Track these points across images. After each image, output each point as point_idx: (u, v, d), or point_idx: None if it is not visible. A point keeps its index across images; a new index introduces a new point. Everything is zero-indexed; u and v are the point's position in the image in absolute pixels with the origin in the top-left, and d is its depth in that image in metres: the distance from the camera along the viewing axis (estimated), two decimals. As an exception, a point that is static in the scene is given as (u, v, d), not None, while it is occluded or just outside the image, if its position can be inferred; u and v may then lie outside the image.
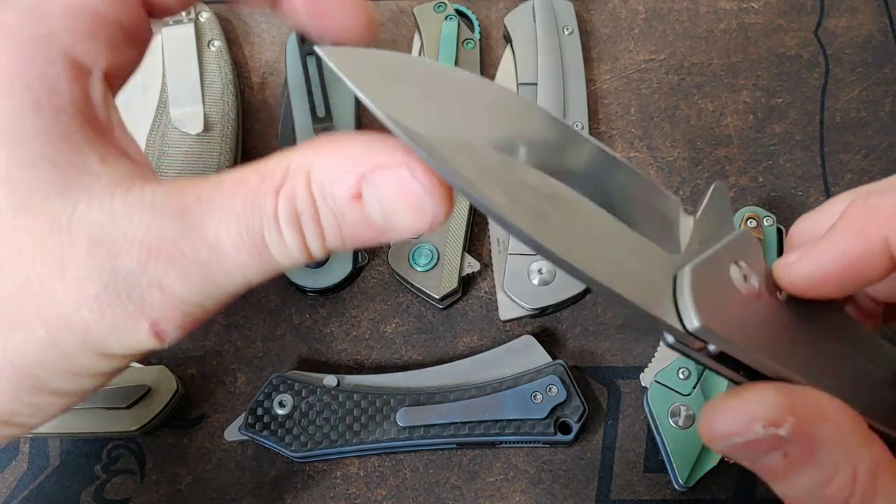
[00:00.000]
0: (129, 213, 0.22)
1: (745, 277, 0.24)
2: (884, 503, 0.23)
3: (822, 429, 0.23)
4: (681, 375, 0.39)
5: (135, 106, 0.45)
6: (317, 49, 0.22)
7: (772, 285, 0.25)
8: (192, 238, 0.22)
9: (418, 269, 0.42)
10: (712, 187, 0.25)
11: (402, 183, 0.22)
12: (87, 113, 0.23)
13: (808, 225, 0.28)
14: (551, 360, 0.40)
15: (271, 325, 0.43)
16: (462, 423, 0.39)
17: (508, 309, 0.42)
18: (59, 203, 0.22)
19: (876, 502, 0.23)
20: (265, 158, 0.23)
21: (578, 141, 0.23)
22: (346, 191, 0.22)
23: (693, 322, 0.21)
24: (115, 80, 0.25)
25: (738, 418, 0.23)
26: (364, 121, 0.47)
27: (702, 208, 0.24)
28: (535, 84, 0.45)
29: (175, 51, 0.45)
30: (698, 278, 0.22)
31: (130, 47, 0.26)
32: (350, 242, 0.23)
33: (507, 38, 0.47)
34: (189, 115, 0.44)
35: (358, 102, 0.46)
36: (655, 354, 0.41)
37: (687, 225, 0.24)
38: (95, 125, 0.23)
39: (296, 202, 0.22)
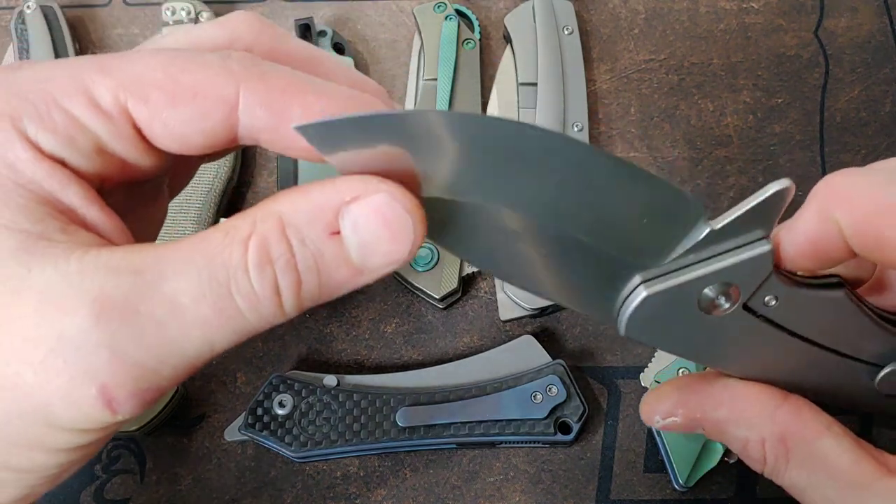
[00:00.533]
0: (83, 271, 0.20)
1: (716, 299, 0.24)
2: (799, 461, 0.27)
3: (718, 412, 0.29)
4: (681, 375, 0.39)
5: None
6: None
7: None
8: (147, 295, 0.20)
9: (418, 269, 0.42)
10: (768, 194, 0.23)
11: (384, 207, 0.21)
12: (54, 199, 0.22)
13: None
14: (551, 360, 0.40)
15: (271, 325, 0.43)
16: (462, 423, 0.39)
17: (508, 309, 0.42)
18: (13, 267, 0.20)
19: (790, 462, 0.27)
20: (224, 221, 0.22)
21: (574, 149, 0.22)
22: (325, 228, 0.21)
23: (621, 331, 0.25)
24: (126, 185, 0.24)
25: (648, 411, 0.31)
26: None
27: (728, 220, 0.23)
28: (535, 84, 0.45)
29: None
30: (646, 303, 0.24)
31: (131, 159, 0.24)
32: (325, 290, 0.22)
33: (507, 38, 0.47)
34: (189, 115, 0.44)
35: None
36: (655, 354, 0.41)
37: (698, 233, 0.23)
38: (62, 208, 0.22)
39: (269, 248, 0.21)
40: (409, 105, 0.46)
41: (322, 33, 0.46)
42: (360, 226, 0.21)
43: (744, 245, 0.24)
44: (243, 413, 0.39)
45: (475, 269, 0.42)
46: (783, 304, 0.25)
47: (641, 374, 0.41)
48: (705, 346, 0.27)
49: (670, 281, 0.24)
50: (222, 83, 0.22)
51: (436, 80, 0.45)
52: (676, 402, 0.30)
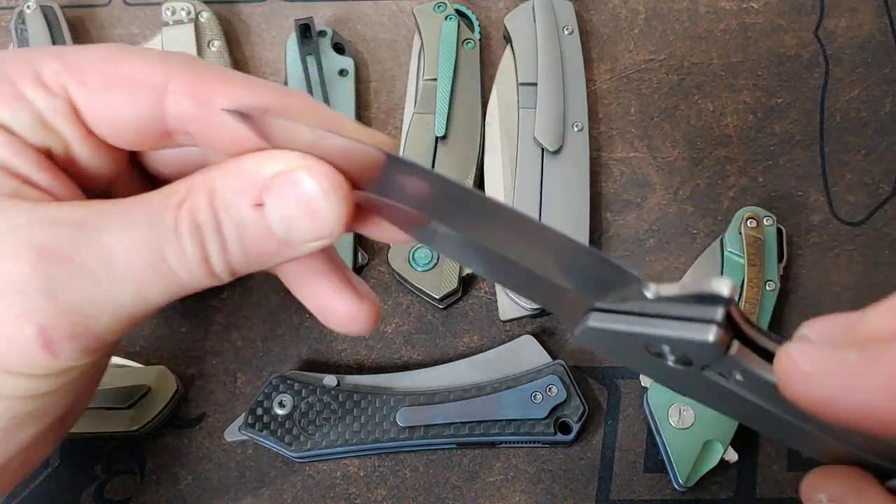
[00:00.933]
0: (29, 223, 0.22)
1: (665, 357, 0.22)
2: None
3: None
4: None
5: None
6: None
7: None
8: (84, 245, 0.22)
9: (418, 269, 0.42)
10: (701, 291, 0.20)
11: (299, 185, 0.22)
12: (5, 164, 0.23)
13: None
14: (551, 360, 0.40)
15: (271, 325, 0.43)
16: (462, 423, 0.39)
17: (508, 309, 0.42)
18: None
19: None
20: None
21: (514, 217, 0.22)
22: (248, 200, 0.22)
23: (573, 339, 0.23)
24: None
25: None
26: (363, 119, 0.47)
27: (665, 295, 0.21)
28: (535, 84, 0.45)
29: (175, 51, 0.45)
30: (591, 331, 0.22)
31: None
32: (253, 257, 0.23)
33: (507, 38, 0.47)
34: (189, 115, 0.44)
35: (358, 102, 0.46)
36: (655, 354, 0.41)
37: (638, 299, 0.21)
38: (15, 173, 0.23)
39: (197, 214, 0.22)
40: (409, 105, 0.46)
41: (322, 33, 0.46)
42: (280, 201, 0.22)
43: (693, 323, 0.21)
44: (243, 413, 0.39)
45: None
46: (751, 379, 0.22)
47: (641, 374, 0.41)
48: (659, 378, 0.25)
49: (614, 324, 0.22)
50: (154, 72, 0.23)
51: (436, 80, 0.45)
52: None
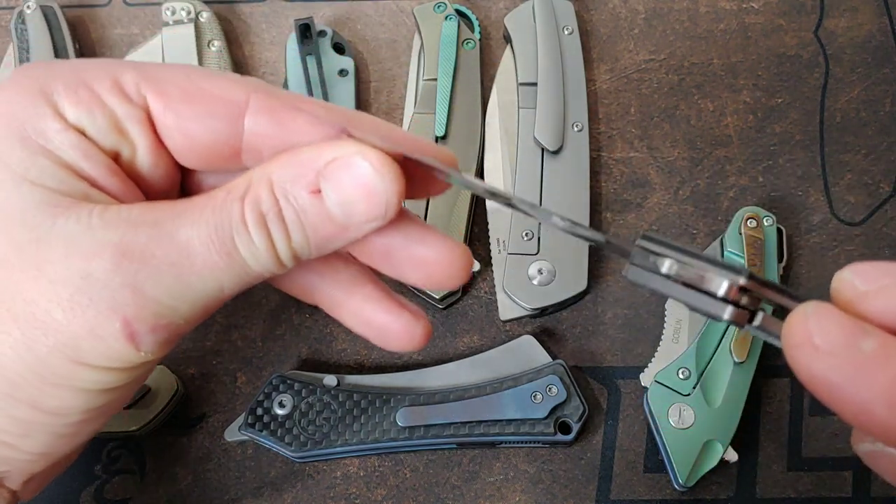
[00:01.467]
0: (105, 224, 0.23)
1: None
2: None
3: None
4: (681, 375, 0.39)
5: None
6: None
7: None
8: (163, 242, 0.23)
9: (418, 269, 0.42)
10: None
11: (354, 168, 0.23)
12: (77, 166, 0.24)
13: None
14: (551, 360, 0.40)
15: (271, 325, 0.43)
16: (462, 423, 0.39)
17: (508, 309, 0.42)
18: (41, 217, 0.23)
19: None
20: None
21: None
22: (305, 187, 0.23)
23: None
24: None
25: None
26: (364, 121, 0.47)
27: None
28: (535, 84, 0.45)
29: (175, 51, 0.45)
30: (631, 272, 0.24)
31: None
32: (315, 242, 0.24)
33: (507, 38, 0.47)
34: (189, 115, 0.44)
35: (358, 102, 0.46)
36: (655, 354, 0.41)
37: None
38: (84, 174, 0.24)
39: (260, 205, 0.23)
40: (410, 105, 0.46)
41: (322, 33, 0.46)
42: (337, 186, 0.23)
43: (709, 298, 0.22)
44: (243, 413, 0.39)
45: (475, 269, 0.42)
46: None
47: (641, 374, 0.41)
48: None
49: (648, 283, 0.23)
50: (235, 89, 0.25)
51: (436, 80, 0.45)
52: None
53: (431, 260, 0.26)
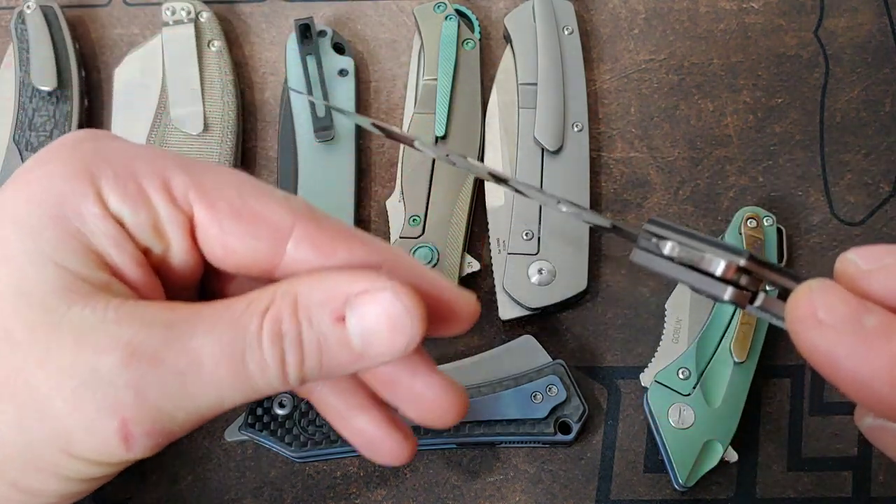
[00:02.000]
0: (119, 319, 0.23)
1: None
2: None
3: None
4: (681, 375, 0.39)
5: (135, 106, 0.45)
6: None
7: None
8: (174, 347, 0.22)
9: (418, 269, 0.42)
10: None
11: (385, 304, 0.23)
12: (107, 254, 0.24)
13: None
14: (551, 360, 0.40)
15: (271, 325, 0.43)
16: (462, 423, 0.39)
17: (508, 309, 0.42)
18: (56, 301, 0.22)
19: None
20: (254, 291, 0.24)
21: None
22: (331, 314, 0.23)
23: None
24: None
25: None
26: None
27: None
28: (535, 84, 0.45)
29: (175, 51, 0.45)
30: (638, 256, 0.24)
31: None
32: (326, 368, 0.24)
33: (507, 38, 0.47)
34: (189, 115, 0.44)
35: (358, 102, 0.46)
36: (655, 354, 0.41)
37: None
38: (112, 263, 0.24)
39: (281, 324, 0.23)
40: (410, 105, 0.46)
41: (322, 33, 0.46)
42: (363, 317, 0.23)
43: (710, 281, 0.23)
44: (243, 413, 0.39)
45: (475, 269, 0.42)
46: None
47: (641, 374, 0.41)
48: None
49: (653, 265, 0.23)
50: (283, 214, 0.24)
51: (436, 80, 0.45)
52: None
53: (430, 399, 0.26)
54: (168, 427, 0.23)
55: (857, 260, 0.21)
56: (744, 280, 0.22)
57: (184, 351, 0.22)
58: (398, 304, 0.23)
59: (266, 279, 0.25)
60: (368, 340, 0.23)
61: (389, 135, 0.30)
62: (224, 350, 0.23)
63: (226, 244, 0.25)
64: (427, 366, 0.26)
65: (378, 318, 0.23)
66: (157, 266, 0.25)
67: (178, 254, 0.25)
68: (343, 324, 0.23)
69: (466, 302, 0.26)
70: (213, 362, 0.23)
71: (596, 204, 0.44)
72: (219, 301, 0.24)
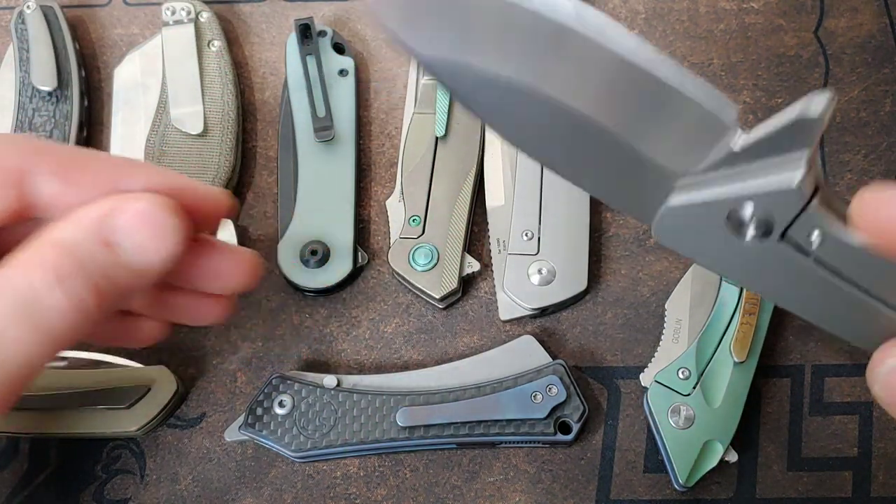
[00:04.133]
0: None
1: (746, 226, 0.22)
2: None
3: None
4: (680, 375, 0.39)
5: (135, 106, 0.45)
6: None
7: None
8: None
9: (418, 269, 0.42)
10: (801, 114, 0.21)
11: (137, 214, 0.25)
12: None
13: None
14: (551, 360, 0.40)
15: (271, 325, 0.43)
16: (462, 423, 0.39)
17: (508, 309, 0.42)
18: None
19: None
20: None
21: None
22: (95, 240, 0.25)
23: (654, 237, 0.24)
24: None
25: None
26: (363, 119, 0.47)
27: (751, 142, 0.21)
28: (535, 84, 0.45)
29: (175, 51, 0.45)
30: (671, 214, 0.23)
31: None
32: (119, 288, 0.25)
33: (507, 38, 0.47)
34: (189, 115, 0.44)
35: (358, 102, 0.46)
36: (655, 354, 0.41)
37: (721, 150, 0.22)
38: None
39: (59, 267, 0.24)
40: (410, 105, 0.46)
41: (322, 33, 0.46)
42: (125, 231, 0.25)
43: (778, 169, 0.21)
44: (243, 413, 0.39)
45: (475, 270, 0.42)
46: (829, 243, 0.22)
47: (641, 374, 0.41)
48: (740, 268, 0.24)
49: (694, 195, 0.22)
50: (9, 154, 0.26)
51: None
52: None
53: (230, 269, 0.29)
54: None
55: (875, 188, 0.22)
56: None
57: None
58: (144, 205, 0.25)
59: (27, 221, 0.26)
60: (140, 251, 0.25)
61: None
62: (17, 311, 0.23)
63: None
64: (212, 246, 0.29)
65: (137, 229, 0.25)
66: None
67: None
68: (112, 245, 0.25)
69: (216, 193, 0.29)
70: (10, 325, 0.23)
71: (596, 204, 0.44)
72: None
